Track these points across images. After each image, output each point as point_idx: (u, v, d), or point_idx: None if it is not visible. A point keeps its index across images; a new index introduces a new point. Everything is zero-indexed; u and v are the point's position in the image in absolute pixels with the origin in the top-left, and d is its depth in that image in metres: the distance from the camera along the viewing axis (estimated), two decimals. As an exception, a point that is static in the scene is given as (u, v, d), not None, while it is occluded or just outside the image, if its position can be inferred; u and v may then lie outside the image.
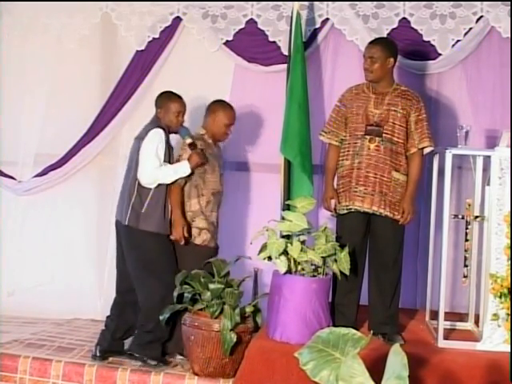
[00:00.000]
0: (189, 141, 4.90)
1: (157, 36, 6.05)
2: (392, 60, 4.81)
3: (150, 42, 6.06)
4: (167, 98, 5.01)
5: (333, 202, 4.89)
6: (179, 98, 5.04)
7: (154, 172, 4.80)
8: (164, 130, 4.89)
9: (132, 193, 4.86)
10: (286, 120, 5.43)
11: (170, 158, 4.93)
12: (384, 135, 4.74)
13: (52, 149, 6.22)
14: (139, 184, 4.84)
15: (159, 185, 4.84)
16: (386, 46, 4.82)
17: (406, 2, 5.71)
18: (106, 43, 6.25)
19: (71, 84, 6.26)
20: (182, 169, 4.85)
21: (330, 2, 5.80)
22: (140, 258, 4.85)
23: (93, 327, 5.83)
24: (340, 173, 4.90)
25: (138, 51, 6.08)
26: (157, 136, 4.84)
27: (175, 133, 5.04)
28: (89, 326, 5.93)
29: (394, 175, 4.75)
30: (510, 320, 4.26)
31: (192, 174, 4.91)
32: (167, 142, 4.90)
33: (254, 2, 5.91)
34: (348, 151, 4.84)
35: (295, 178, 5.43)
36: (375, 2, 5.75)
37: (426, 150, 4.85)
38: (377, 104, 4.81)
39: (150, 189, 4.83)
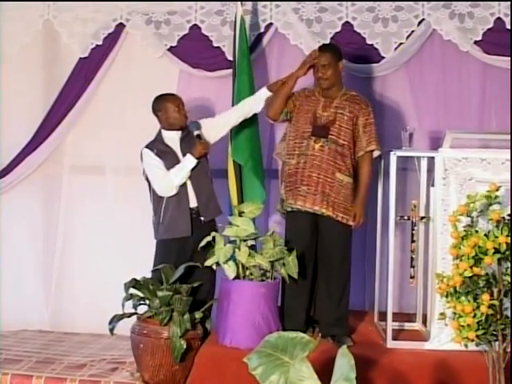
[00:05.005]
0: (196, 132, 4.98)
1: (100, 43, 5.96)
2: (341, 63, 4.90)
3: (93, 48, 5.96)
4: (161, 100, 5.04)
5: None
6: (172, 94, 5.11)
7: (165, 179, 4.88)
8: (149, 147, 4.96)
9: None
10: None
11: (176, 157, 4.97)
12: (330, 136, 4.79)
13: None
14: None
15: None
16: (334, 51, 4.91)
17: (349, 6, 5.75)
18: (49, 51, 6.12)
19: (14, 92, 6.15)
20: (188, 162, 4.92)
21: (273, 7, 5.81)
22: None
23: (40, 338, 5.76)
24: (286, 171, 4.95)
25: (81, 58, 5.98)
26: (145, 155, 4.96)
27: (183, 128, 5.04)
28: (36, 336, 5.82)
29: (337, 176, 4.78)
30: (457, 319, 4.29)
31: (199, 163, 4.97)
32: (160, 151, 4.94)
33: (198, 7, 5.89)
34: (294, 151, 4.90)
35: (246, 183, 5.39)
36: (318, 6, 5.77)
37: (375, 154, 4.90)
38: (325, 107, 4.88)
39: None
